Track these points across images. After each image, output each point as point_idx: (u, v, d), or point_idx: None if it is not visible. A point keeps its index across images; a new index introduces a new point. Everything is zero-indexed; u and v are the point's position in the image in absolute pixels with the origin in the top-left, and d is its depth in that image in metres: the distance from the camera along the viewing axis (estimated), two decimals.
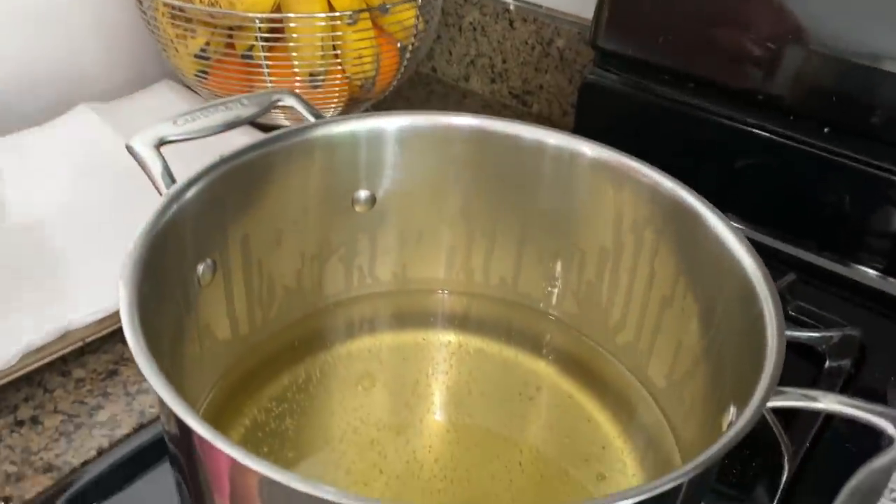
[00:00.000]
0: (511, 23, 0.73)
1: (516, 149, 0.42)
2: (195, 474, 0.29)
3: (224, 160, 0.36)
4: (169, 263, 0.34)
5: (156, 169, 0.36)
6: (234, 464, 0.24)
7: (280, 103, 0.41)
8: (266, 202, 0.40)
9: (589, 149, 0.40)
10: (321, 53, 0.60)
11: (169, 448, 0.31)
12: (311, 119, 0.41)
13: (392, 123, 0.41)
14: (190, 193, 0.35)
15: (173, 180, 0.36)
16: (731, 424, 0.30)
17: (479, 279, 0.47)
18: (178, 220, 0.34)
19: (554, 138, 0.41)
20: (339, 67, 0.62)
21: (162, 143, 0.37)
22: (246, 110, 0.40)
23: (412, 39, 0.65)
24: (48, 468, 0.39)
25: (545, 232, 0.44)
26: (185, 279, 0.36)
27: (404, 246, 0.46)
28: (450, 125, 0.41)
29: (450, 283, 0.47)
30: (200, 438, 0.25)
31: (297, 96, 0.41)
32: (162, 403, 0.27)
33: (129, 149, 0.36)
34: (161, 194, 0.35)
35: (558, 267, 0.45)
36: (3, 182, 0.55)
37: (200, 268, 0.37)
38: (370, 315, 0.47)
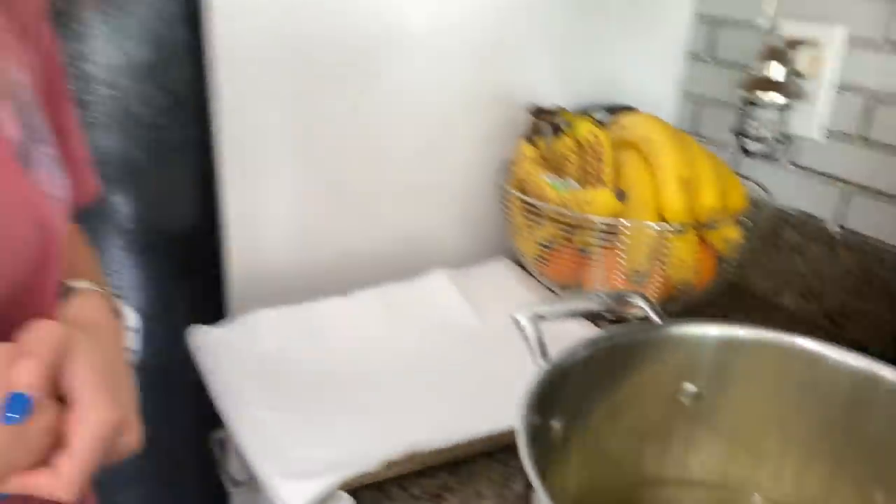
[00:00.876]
0: (831, 247, 0.75)
1: (850, 375, 0.44)
2: None
3: (591, 343, 0.44)
4: (538, 414, 0.42)
5: (532, 337, 0.45)
6: None
7: (630, 301, 0.49)
8: (611, 382, 0.46)
9: None
10: (647, 256, 0.68)
11: None
12: (658, 320, 0.47)
13: (739, 333, 0.46)
14: (561, 364, 0.43)
15: (543, 349, 0.45)
16: None
17: (790, 490, 0.48)
18: (550, 383, 0.42)
19: (890, 373, 0.43)
20: (661, 269, 0.70)
21: (538, 317, 0.46)
22: (602, 303, 0.48)
23: (732, 253, 0.71)
24: None
25: (865, 456, 0.45)
26: (542, 431, 0.43)
27: (720, 443, 0.49)
28: (793, 345, 0.46)
29: (760, 488, 0.49)
30: None
31: (647, 298, 0.48)
32: None
33: (514, 319, 0.46)
34: (535, 358, 0.44)
35: (877, 494, 0.45)
36: (373, 324, 0.70)
37: (553, 423, 0.44)
38: (678, 502, 0.50)
